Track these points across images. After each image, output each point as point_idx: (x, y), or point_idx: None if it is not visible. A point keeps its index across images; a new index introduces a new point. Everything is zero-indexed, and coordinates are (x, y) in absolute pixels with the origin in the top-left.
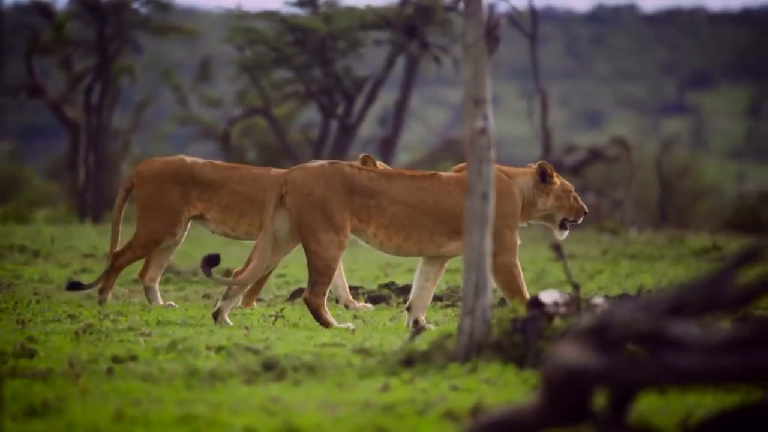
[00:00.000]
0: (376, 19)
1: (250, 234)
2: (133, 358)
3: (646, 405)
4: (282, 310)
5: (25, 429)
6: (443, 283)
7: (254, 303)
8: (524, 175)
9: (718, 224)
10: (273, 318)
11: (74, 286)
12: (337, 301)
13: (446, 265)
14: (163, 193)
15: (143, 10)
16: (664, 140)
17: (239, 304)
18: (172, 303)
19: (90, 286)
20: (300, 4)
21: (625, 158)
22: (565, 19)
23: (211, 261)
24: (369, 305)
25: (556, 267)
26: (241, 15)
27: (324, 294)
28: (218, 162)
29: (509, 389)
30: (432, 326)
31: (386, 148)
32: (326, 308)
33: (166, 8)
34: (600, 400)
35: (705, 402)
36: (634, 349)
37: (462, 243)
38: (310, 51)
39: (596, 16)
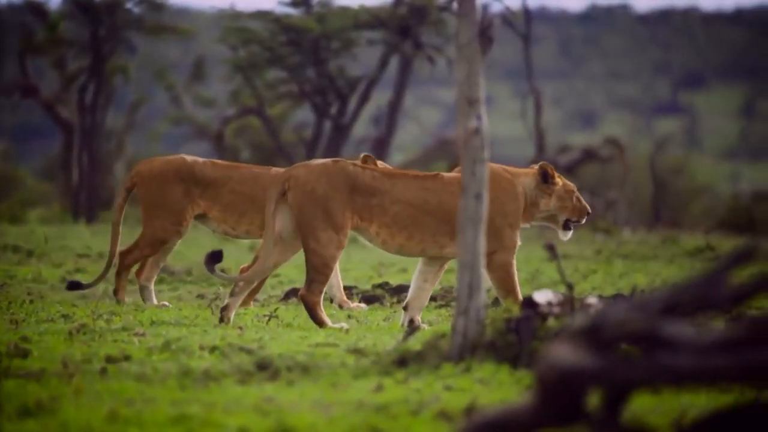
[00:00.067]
0: (370, 19)
1: (251, 233)
2: (127, 358)
3: (640, 405)
4: (276, 310)
5: (19, 429)
6: (437, 283)
7: (251, 303)
8: (527, 176)
9: (712, 224)
10: (267, 318)
11: (74, 285)
12: (331, 301)
13: (445, 266)
14: (166, 192)
15: (137, 10)
16: (658, 140)
17: None
18: (166, 303)
19: (89, 285)
20: (293, 4)
21: (618, 158)
22: (559, 19)
23: (215, 257)
24: (363, 305)
25: (550, 267)
26: (234, 15)
27: (321, 292)
28: (219, 161)
29: (503, 389)
30: (426, 326)
31: (380, 148)
32: (322, 307)
33: (159, 8)
34: (594, 400)
35: (699, 402)
36: (628, 349)
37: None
38: (304, 51)
39: (589, 16)
